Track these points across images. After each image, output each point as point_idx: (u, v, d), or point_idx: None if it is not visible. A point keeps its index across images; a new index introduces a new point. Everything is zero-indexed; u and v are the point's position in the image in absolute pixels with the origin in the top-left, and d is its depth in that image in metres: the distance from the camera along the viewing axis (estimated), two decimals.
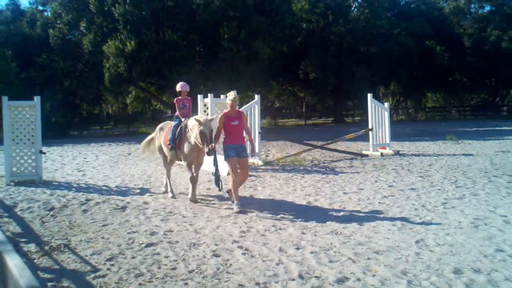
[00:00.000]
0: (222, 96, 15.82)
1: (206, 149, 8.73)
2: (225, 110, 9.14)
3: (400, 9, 50.14)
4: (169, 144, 9.81)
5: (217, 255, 6.20)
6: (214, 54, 31.22)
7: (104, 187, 11.69)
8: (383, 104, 18.07)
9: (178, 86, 10.39)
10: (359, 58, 42.14)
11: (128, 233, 7.42)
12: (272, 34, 32.69)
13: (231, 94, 8.99)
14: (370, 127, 17.34)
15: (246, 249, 6.44)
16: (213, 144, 8.87)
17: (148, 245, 6.71)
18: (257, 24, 31.10)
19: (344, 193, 10.27)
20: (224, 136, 9.15)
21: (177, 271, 5.67)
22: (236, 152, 8.84)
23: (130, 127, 43.31)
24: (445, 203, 9.03)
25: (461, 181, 11.38)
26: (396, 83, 48.62)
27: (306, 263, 5.87)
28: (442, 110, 55.50)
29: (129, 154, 19.77)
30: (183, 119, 9.85)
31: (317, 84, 42.58)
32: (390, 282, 5.21)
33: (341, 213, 8.46)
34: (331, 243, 6.66)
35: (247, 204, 9.19)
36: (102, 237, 7.21)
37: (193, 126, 9.15)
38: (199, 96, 15.76)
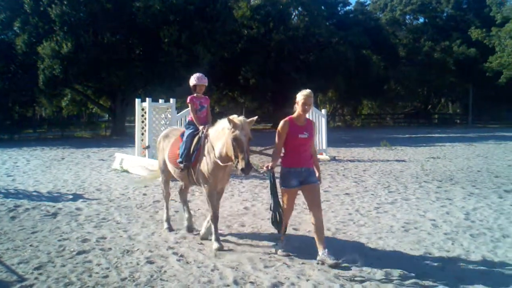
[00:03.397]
0: (160, 101, 15.63)
1: (240, 165, 5.92)
2: (292, 115, 6.34)
3: (338, 19, 51.33)
4: (180, 162, 7.05)
5: (151, 262, 6.09)
6: (154, 58, 30.85)
7: (34, 193, 11.23)
8: (321, 111, 18.38)
9: (194, 79, 7.45)
10: (299, 65, 42.74)
11: (59, 240, 7.16)
12: (213, 39, 32.66)
13: (306, 91, 6.26)
14: None
15: (181, 256, 6.37)
16: (271, 164, 6.13)
17: (79, 253, 6.50)
18: (198, 29, 30.99)
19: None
20: (283, 154, 6.37)
21: (109, 279, 5.52)
22: (299, 179, 6.18)
23: (65, 131, 41.90)
24: (378, 208, 9.27)
25: (394, 186, 11.74)
26: (333, 90, 49.64)
27: (241, 268, 5.87)
28: (377, 117, 57.18)
29: (63, 158, 19.14)
30: (200, 127, 7.09)
31: (257, 90, 42.89)
32: (324, 286, 5.29)
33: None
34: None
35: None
36: (31, 245, 6.92)
37: (221, 130, 6.47)
38: (137, 100, 15.50)
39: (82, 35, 29.28)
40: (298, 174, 6.18)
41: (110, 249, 6.68)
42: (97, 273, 5.73)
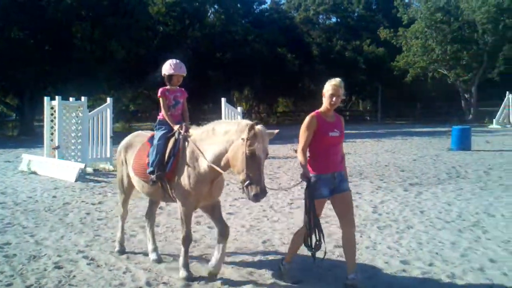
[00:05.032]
0: (71, 99, 15.08)
1: (253, 191, 4.74)
2: (319, 109, 5.37)
3: (254, 17, 51.78)
4: (150, 172, 5.55)
5: (59, 267, 5.89)
6: (66, 54, 29.67)
7: None
8: (237, 109, 18.52)
9: (169, 67, 5.93)
10: (215, 63, 42.73)
11: None
12: (127, 36, 31.94)
13: (334, 79, 5.26)
14: None
15: (92, 259, 6.21)
16: (304, 171, 5.00)
17: None
18: (111, 25, 30.19)
19: None
20: (309, 156, 5.26)
21: (13, 287, 5.28)
22: (330, 187, 5.16)
23: None
24: (291, 204, 9.49)
25: (269, 187, 12.01)
26: (250, 88, 50.07)
27: (154, 269, 5.82)
28: (292, 114, 58.24)
29: None
30: (175, 126, 5.70)
31: None
32: (236, 283, 5.34)
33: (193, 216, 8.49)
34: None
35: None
36: None
37: (222, 134, 5.12)
38: (46, 99, 14.84)
39: None
40: (329, 181, 5.14)
41: (15, 255, 6.37)
42: (0, 281, 5.46)
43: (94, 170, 14.49)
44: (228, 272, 5.68)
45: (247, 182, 4.73)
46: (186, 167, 5.33)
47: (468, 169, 14.00)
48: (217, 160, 5.10)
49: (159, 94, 5.94)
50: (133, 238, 7.23)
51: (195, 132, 5.48)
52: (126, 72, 36.74)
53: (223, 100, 17.67)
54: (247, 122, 4.92)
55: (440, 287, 5.25)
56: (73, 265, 5.97)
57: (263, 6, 54.72)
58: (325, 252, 5.18)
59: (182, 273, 5.46)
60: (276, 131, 5.23)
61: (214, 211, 5.65)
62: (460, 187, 11.16)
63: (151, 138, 5.94)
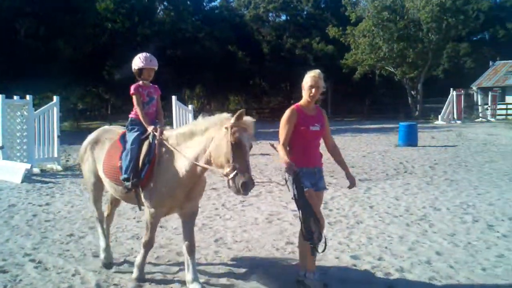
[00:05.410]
0: (16, 97, 14.59)
1: (240, 179, 4.31)
2: (299, 102, 5.22)
3: (204, 14, 51.57)
4: (126, 179, 5.06)
5: (4, 271, 5.67)
6: (9, 52, 28.63)
7: None
8: (187, 107, 18.39)
9: (139, 60, 5.53)
10: (166, 60, 42.27)
11: None
12: (74, 33, 31.16)
13: (313, 71, 5.08)
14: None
15: (39, 262, 6.02)
16: (288, 161, 4.78)
17: None
18: (57, 22, 29.36)
19: None
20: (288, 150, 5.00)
21: None
22: (311, 181, 5.00)
23: None
24: (243, 201, 9.49)
25: (258, 179, 12.08)
26: (201, 86, 49.86)
27: (104, 271, 5.69)
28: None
29: None
30: (149, 127, 5.22)
31: (122, 85, 41.71)
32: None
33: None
34: (132, 248, 6.57)
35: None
36: None
37: (203, 132, 4.76)
38: None
39: None
40: (310, 175, 5.00)
41: None
42: None
43: (41, 170, 14.07)
44: (181, 272, 5.63)
45: (233, 173, 4.34)
46: (162, 173, 4.92)
47: (415, 165, 14.41)
48: (198, 159, 4.75)
49: (132, 91, 5.48)
50: (82, 239, 7.06)
51: (170, 134, 5.06)
52: (73, 69, 35.88)
53: (173, 98, 17.50)
54: (227, 114, 4.66)
55: (389, 281, 5.37)
56: (19, 269, 5.77)
57: (213, 4, 54.98)
58: (326, 243, 4.85)
59: (135, 272, 5.30)
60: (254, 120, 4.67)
61: (190, 220, 5.28)
62: (407, 182, 11.48)
63: (122, 137, 5.45)
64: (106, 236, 5.91)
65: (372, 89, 50.89)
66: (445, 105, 36.25)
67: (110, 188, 5.58)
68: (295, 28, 57.92)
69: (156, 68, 5.62)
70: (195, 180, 4.96)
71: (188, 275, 5.09)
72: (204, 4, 53.11)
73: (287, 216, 8.29)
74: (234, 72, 46.13)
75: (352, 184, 5.24)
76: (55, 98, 15.16)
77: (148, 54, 5.58)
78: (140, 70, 5.52)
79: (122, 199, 5.69)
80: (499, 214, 8.22)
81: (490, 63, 48.16)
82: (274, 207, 8.98)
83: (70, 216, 8.58)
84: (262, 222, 7.95)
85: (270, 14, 62.20)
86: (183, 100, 40.28)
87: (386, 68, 47.04)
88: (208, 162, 4.67)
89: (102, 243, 5.83)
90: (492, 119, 37.33)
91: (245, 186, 4.29)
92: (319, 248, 4.78)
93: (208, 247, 6.57)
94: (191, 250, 5.16)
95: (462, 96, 36.95)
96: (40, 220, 8.18)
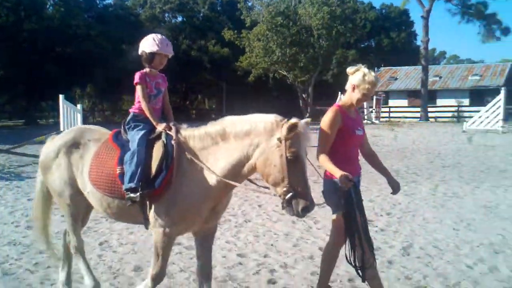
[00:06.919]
0: None
1: (300, 205, 3.64)
2: (339, 102, 4.58)
3: (97, 12, 49.93)
4: (130, 189, 3.98)
5: None
6: None
7: None
8: (76, 106, 17.72)
9: (151, 42, 4.42)
10: (55, 58, 40.44)
11: None
12: None
13: (372, 75, 4.29)
14: (62, 129, 16.77)
15: None
16: (344, 174, 3.97)
17: None
18: None
19: (29, 199, 9.64)
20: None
21: None
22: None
23: None
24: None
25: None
26: (92, 85, 48.22)
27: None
28: None
29: None
30: (160, 126, 4.24)
31: (7, 82, 39.33)
32: None
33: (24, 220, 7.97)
34: (8, 255, 6.21)
35: None
36: None
37: (244, 136, 3.84)
38: None
39: None
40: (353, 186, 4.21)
41: None
42: None
43: None
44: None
45: (290, 195, 3.63)
46: (184, 182, 3.93)
47: None
48: (233, 171, 3.87)
49: (137, 79, 4.40)
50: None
51: (190, 134, 4.08)
52: None
53: (61, 97, 16.81)
54: (278, 117, 3.81)
55: (272, 278, 5.51)
56: None
57: (107, 1, 53.15)
58: (375, 264, 4.30)
59: None
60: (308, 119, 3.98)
61: (208, 239, 4.41)
62: None
63: (117, 137, 4.43)
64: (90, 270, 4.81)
65: (266, 91, 51.96)
66: None
67: (98, 203, 4.36)
68: (191, 29, 57.73)
69: (170, 55, 4.56)
70: (227, 192, 4.13)
71: None
72: (98, 1, 51.35)
73: None
74: (128, 71, 45.01)
75: (397, 189, 4.59)
76: None
77: (163, 36, 4.51)
78: (152, 55, 4.41)
79: (115, 217, 4.52)
80: (378, 210, 8.77)
81: (375, 69, 51.11)
82: None
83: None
84: None
85: (167, 15, 61.54)
86: (73, 100, 38.75)
87: (279, 71, 48.22)
88: (251, 172, 3.94)
89: (89, 282, 4.68)
90: (376, 121, 39.57)
91: (304, 212, 3.66)
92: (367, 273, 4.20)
93: (92, 251, 6.36)
94: (208, 276, 4.36)
95: None
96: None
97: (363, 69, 4.29)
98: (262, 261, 6.02)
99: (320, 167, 4.32)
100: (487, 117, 28.50)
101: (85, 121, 18.24)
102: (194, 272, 5.46)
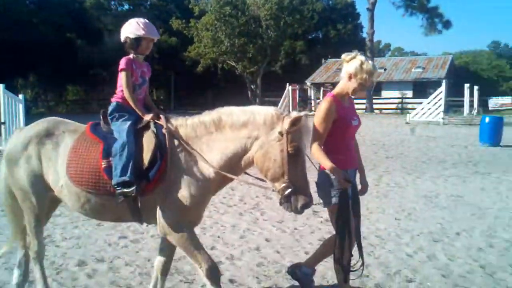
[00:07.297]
0: None
1: (300, 201, 3.57)
2: (333, 91, 4.29)
3: None
4: (121, 183, 3.65)
5: None
6: None
7: None
8: (18, 96, 17.10)
9: (135, 26, 4.18)
10: None
11: None
12: None
13: (369, 63, 4.10)
14: (2, 120, 16.19)
15: None
16: (340, 170, 3.97)
17: None
18: None
19: None
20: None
21: None
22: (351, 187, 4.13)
23: None
24: None
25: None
26: (35, 74, 46.71)
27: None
28: (83, 103, 55.82)
29: None
30: (147, 116, 3.99)
31: None
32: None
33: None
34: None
35: None
36: None
37: (241, 127, 3.71)
38: None
39: None
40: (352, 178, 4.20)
41: None
42: None
43: None
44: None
45: (289, 190, 3.54)
46: (183, 175, 3.72)
47: None
48: (229, 163, 3.72)
49: (123, 65, 4.05)
50: None
51: (181, 123, 3.90)
52: None
53: (1, 86, 16.15)
54: (278, 110, 3.68)
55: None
56: None
57: None
58: (363, 269, 4.26)
59: None
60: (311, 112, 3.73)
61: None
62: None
63: (95, 129, 4.09)
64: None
65: (214, 82, 51.83)
66: (282, 99, 38.17)
67: (74, 200, 3.96)
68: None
69: (156, 39, 4.33)
70: (225, 184, 4.03)
71: None
72: None
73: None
74: (73, 60, 43.89)
75: (365, 191, 4.52)
76: None
77: (145, 20, 4.25)
78: (138, 40, 4.15)
79: (95, 216, 4.22)
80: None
81: (323, 60, 51.89)
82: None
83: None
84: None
85: (113, 3, 60.21)
86: (15, 89, 37.38)
87: (228, 62, 48.21)
88: (247, 166, 3.79)
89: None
90: None
91: (303, 209, 3.60)
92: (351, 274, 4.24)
93: None
94: (167, 271, 4.30)
95: (297, 91, 39.18)
96: None
97: (360, 56, 4.14)
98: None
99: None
100: (429, 108, 29.45)
101: (27, 111, 17.62)
102: (140, 266, 5.53)
